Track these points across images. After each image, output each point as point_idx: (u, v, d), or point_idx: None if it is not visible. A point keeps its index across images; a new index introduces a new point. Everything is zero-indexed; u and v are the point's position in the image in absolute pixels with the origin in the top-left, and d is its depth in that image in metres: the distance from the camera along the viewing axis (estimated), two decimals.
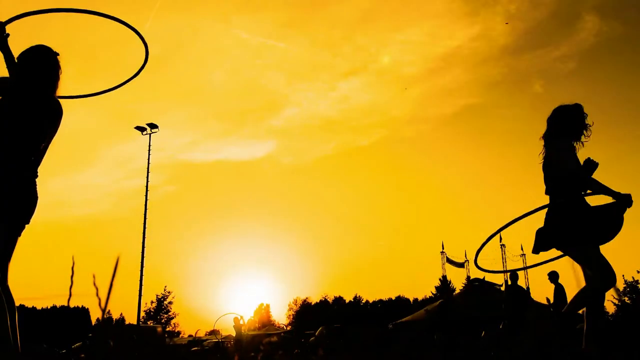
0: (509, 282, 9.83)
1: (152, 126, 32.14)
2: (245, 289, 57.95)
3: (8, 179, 2.74)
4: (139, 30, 3.69)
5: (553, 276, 9.46)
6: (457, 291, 41.16)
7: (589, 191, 3.31)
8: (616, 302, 26.53)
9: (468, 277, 38.54)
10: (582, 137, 3.43)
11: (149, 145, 31.75)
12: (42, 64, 2.96)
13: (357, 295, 61.24)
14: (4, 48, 2.91)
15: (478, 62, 74.31)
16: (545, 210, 3.37)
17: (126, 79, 3.75)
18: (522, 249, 35.48)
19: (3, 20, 2.93)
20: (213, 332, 49.28)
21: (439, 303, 12.62)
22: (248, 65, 74.58)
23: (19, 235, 2.83)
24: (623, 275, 27.98)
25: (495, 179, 74.78)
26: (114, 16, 3.57)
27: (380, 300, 59.67)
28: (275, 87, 75.41)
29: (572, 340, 3.17)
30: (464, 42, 69.65)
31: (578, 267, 3.23)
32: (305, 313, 57.71)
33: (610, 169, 68.46)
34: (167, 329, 41.66)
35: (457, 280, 48.58)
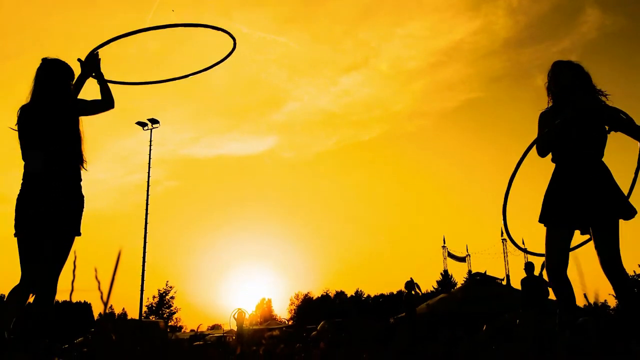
0: (525, 274, 9.60)
1: (153, 121, 32.11)
2: (247, 284, 58.16)
3: (70, 189, 3.02)
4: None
5: None
6: (459, 285, 41.20)
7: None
8: None
9: (469, 272, 38.60)
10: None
11: (150, 141, 31.77)
12: (63, 76, 3.22)
13: (359, 290, 61.40)
14: (99, 73, 3.36)
15: (480, 56, 74.14)
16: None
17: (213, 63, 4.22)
18: (523, 242, 35.46)
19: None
20: (215, 327, 49.43)
21: (405, 295, 12.58)
22: (249, 60, 74.35)
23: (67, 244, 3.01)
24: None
25: (497, 174, 74.65)
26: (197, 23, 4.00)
27: (382, 295, 59.77)
28: (276, 82, 75.32)
29: (574, 334, 3.17)
30: (465, 36, 69.50)
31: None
32: (307, 307, 57.81)
33: (611, 166, 68.12)
34: (169, 324, 41.79)
35: (459, 275, 48.71)
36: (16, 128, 3.04)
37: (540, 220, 3.21)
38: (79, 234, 3.04)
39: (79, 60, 3.41)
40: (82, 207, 3.08)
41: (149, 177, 31.31)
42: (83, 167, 3.15)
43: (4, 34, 69.05)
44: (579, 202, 3.06)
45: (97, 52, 3.43)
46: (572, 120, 3.14)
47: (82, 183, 3.13)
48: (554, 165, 3.31)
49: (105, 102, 3.35)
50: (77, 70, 3.42)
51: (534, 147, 3.26)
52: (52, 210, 2.90)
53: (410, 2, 74.37)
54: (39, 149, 2.97)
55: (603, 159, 3.21)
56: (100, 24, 66.98)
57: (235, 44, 4.12)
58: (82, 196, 3.09)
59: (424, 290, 49.56)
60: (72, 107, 3.16)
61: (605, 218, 3.01)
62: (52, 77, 3.16)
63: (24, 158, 3.02)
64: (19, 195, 2.96)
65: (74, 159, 3.10)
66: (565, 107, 3.22)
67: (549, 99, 3.37)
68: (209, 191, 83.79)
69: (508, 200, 3.37)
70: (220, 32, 3.98)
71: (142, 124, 32.08)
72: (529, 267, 9.52)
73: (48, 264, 2.88)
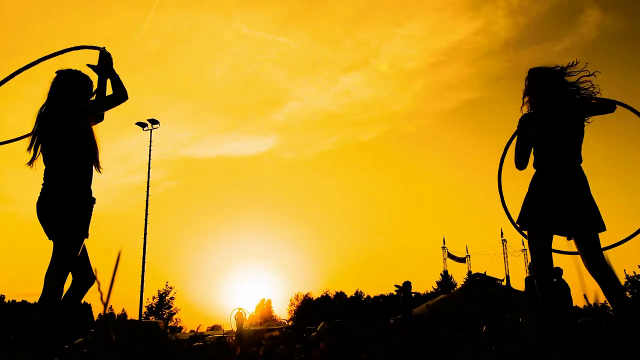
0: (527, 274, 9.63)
1: (153, 122, 32.12)
2: (247, 284, 58.11)
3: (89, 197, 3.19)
4: None
5: (556, 272, 9.35)
6: (459, 286, 41.22)
7: None
8: None
9: (469, 272, 38.60)
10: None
11: (150, 141, 31.79)
12: (77, 86, 3.31)
13: (359, 290, 61.40)
14: (112, 71, 3.41)
15: (480, 56, 74.09)
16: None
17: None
18: (523, 243, 35.49)
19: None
20: (215, 327, 49.36)
21: (402, 295, 12.60)
22: (249, 60, 74.48)
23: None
24: (624, 270, 27.99)
25: (497, 174, 74.63)
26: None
27: (382, 295, 59.78)
28: (276, 82, 75.28)
29: (573, 336, 3.18)
30: (465, 37, 69.49)
31: (580, 263, 3.21)
32: (307, 308, 57.82)
33: (612, 165, 68.35)
34: (169, 325, 41.79)
35: (459, 275, 48.75)
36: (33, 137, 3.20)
37: (519, 222, 3.29)
38: (87, 236, 3.14)
39: (89, 65, 3.45)
40: (91, 210, 3.18)
41: (149, 177, 31.36)
42: (98, 171, 3.28)
43: (4, 34, 69.06)
44: (557, 210, 3.11)
45: (106, 50, 3.47)
46: (540, 135, 3.22)
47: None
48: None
49: (119, 95, 3.39)
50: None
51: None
52: (61, 216, 3.05)
53: (410, 2, 74.43)
54: (58, 159, 3.13)
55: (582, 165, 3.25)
56: (100, 24, 67.02)
57: (102, 57, 3.51)
58: (93, 200, 3.21)
59: (423, 291, 49.74)
60: (81, 114, 3.23)
61: (584, 229, 3.05)
62: (65, 88, 3.26)
63: (46, 165, 3.17)
64: (37, 201, 3.13)
65: (86, 166, 3.21)
66: (538, 117, 3.28)
67: (524, 101, 3.42)
68: (209, 191, 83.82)
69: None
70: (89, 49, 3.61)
71: (142, 125, 32.09)
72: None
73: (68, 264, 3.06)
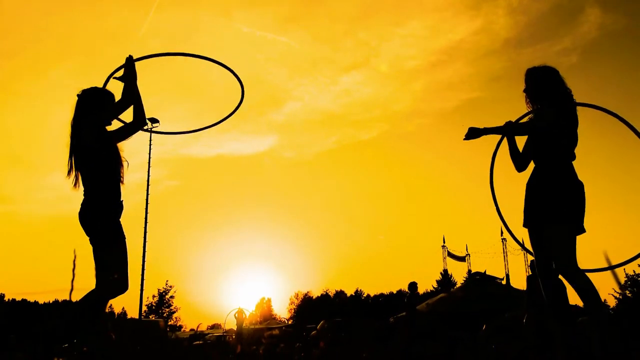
0: (529, 272, 9.60)
1: (153, 121, 31.99)
2: (247, 283, 58.14)
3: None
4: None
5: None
6: (459, 285, 41.21)
7: None
8: (617, 295, 26.51)
9: (469, 271, 38.64)
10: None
11: (150, 140, 31.75)
12: (100, 101, 3.35)
13: (359, 289, 61.35)
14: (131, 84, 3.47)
15: (480, 55, 74.09)
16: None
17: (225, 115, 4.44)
18: (523, 242, 35.45)
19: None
20: (215, 326, 49.33)
21: (408, 295, 12.64)
22: (249, 59, 74.37)
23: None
24: (624, 269, 27.86)
25: (496, 174, 74.59)
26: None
27: (382, 294, 59.76)
28: (276, 82, 75.32)
29: (574, 336, 3.18)
30: (465, 36, 69.53)
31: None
32: (307, 307, 57.79)
33: (613, 165, 68.32)
34: (169, 323, 41.76)
35: (458, 274, 48.69)
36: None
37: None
38: (115, 240, 3.21)
39: (116, 77, 3.48)
40: (113, 216, 3.26)
41: (148, 176, 31.29)
42: (121, 181, 3.35)
43: (4, 34, 69.01)
44: (527, 205, 3.26)
45: (131, 55, 3.48)
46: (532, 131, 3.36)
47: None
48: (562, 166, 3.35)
49: (126, 100, 3.40)
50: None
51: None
52: (85, 225, 3.15)
53: (410, 1, 74.45)
54: (85, 173, 3.23)
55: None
56: (100, 24, 66.98)
57: (243, 92, 4.35)
58: (119, 206, 3.30)
59: (422, 290, 49.76)
60: (91, 126, 3.25)
61: (533, 224, 3.14)
62: (77, 107, 3.29)
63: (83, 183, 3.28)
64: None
65: (109, 176, 3.27)
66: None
67: (527, 100, 3.48)
68: (208, 191, 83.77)
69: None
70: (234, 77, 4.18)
71: None
72: (534, 265, 9.45)
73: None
